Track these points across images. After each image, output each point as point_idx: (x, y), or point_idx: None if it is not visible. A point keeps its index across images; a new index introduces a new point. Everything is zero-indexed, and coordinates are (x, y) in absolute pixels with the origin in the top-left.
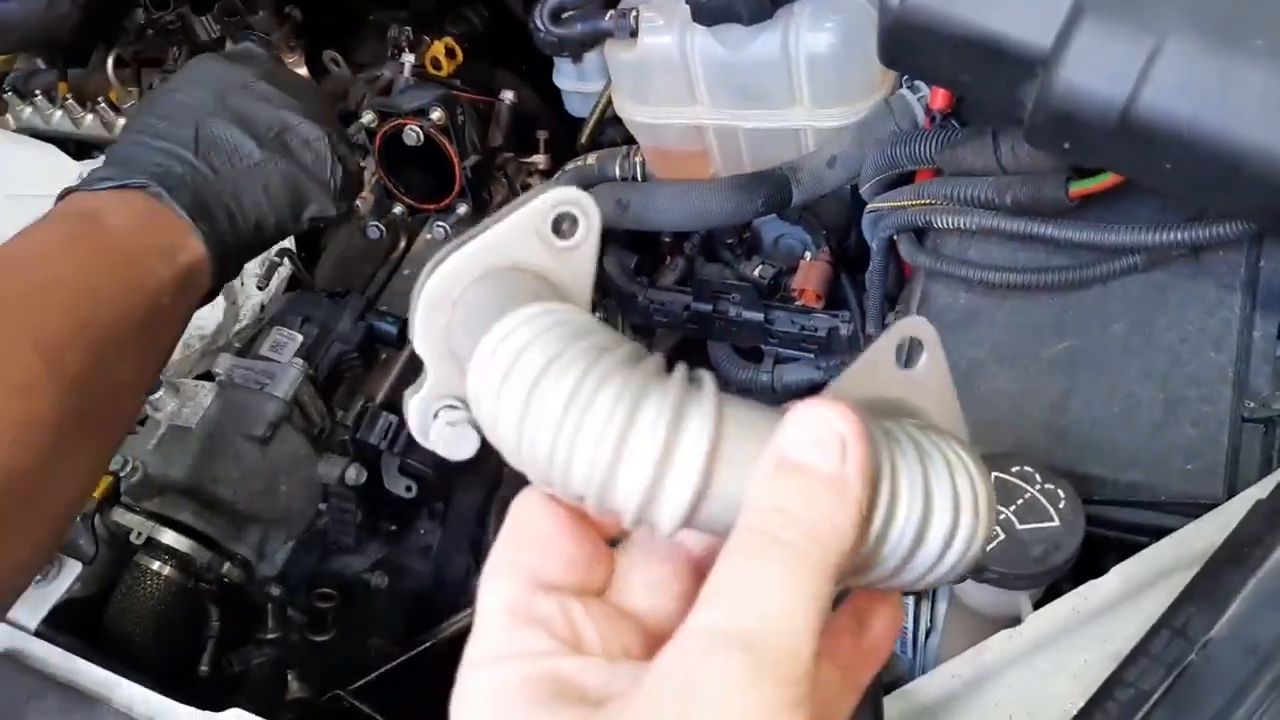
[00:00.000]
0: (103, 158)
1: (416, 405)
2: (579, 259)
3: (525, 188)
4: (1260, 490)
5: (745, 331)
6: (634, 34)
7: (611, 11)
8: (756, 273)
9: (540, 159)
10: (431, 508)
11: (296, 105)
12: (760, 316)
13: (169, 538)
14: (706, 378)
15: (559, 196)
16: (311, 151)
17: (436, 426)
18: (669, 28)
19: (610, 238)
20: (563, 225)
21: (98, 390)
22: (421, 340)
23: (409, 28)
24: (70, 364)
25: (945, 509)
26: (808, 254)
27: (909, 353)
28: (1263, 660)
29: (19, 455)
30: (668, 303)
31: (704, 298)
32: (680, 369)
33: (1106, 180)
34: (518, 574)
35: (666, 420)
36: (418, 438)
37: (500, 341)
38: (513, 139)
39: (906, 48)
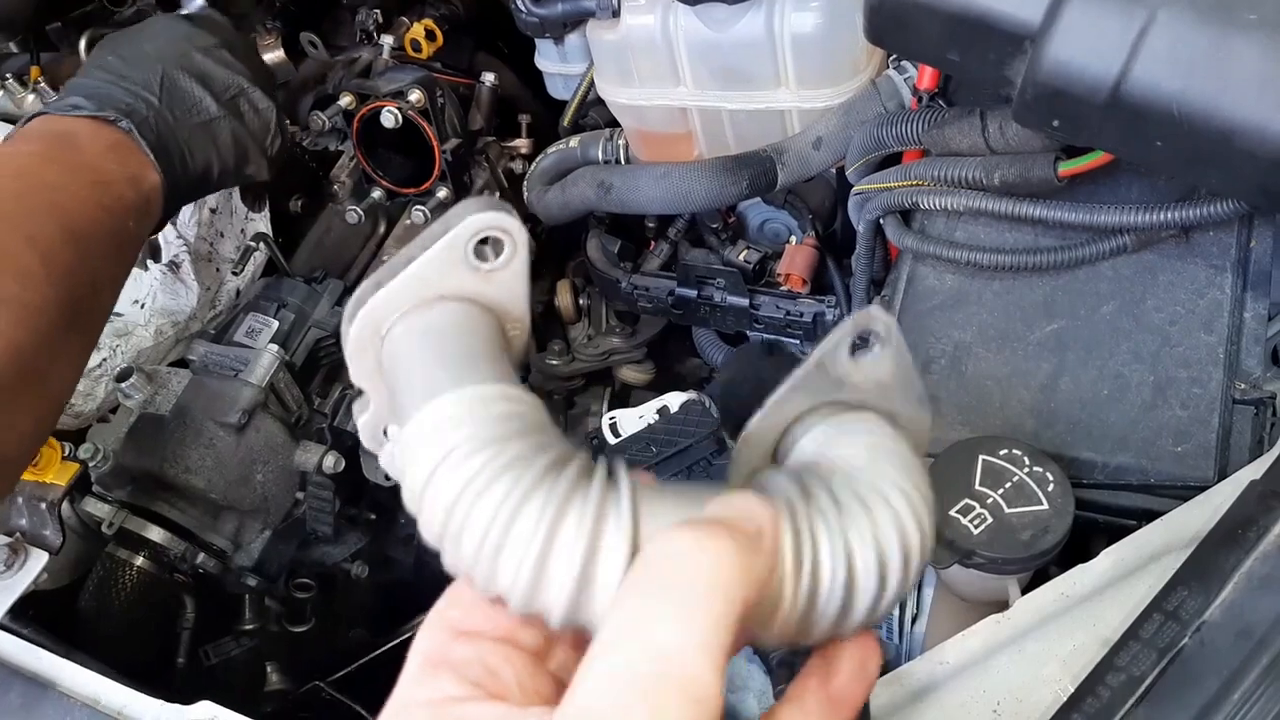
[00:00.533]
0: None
1: (364, 426)
2: (508, 277)
3: (508, 172)
4: (1254, 471)
5: (730, 317)
6: (616, 14)
7: None
8: (742, 258)
9: (522, 142)
10: None
11: (250, 75)
12: (745, 302)
13: (142, 528)
14: (623, 483)
15: (479, 223)
16: (260, 119)
17: (388, 447)
18: (652, 8)
19: (594, 223)
20: (486, 248)
21: (82, 286)
22: (356, 374)
23: (377, 10)
24: (59, 260)
25: (869, 572)
26: (793, 238)
27: (867, 344)
28: (1257, 644)
29: (23, 334)
30: (652, 288)
31: (688, 283)
32: (600, 473)
33: (1096, 159)
34: (441, 624)
35: (585, 539)
36: (375, 453)
37: (422, 443)
38: (494, 122)
39: (893, 25)
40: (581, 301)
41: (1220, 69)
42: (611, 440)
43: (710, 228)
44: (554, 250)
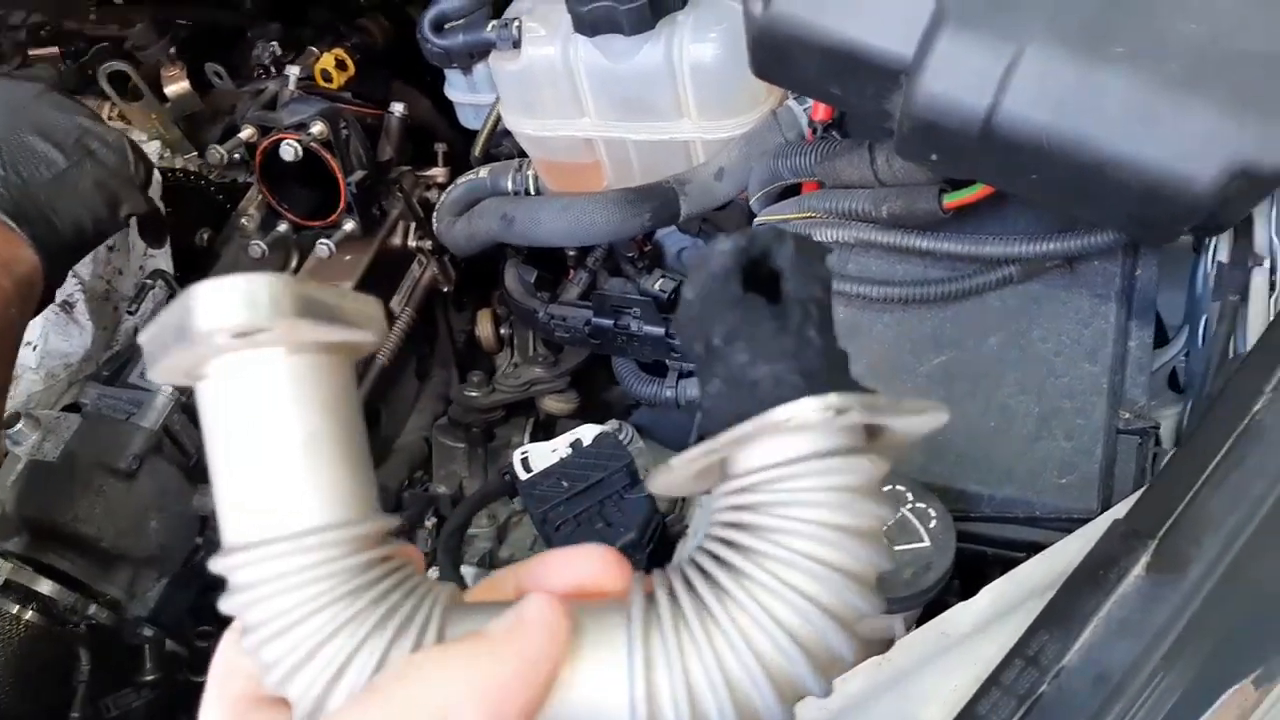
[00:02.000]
0: None
1: None
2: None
3: (423, 201)
4: (1122, 509)
5: (647, 346)
6: (517, 45)
7: (494, 22)
8: (657, 286)
9: (438, 171)
10: None
11: (88, 113)
12: (661, 331)
13: (31, 580)
14: (420, 618)
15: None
16: (114, 153)
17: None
18: (552, 39)
19: (512, 252)
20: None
21: None
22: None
23: (275, 44)
24: None
25: (707, 695)
26: None
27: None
28: (1114, 689)
29: None
30: (569, 318)
31: (604, 313)
32: (403, 610)
33: (979, 191)
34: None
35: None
36: None
37: (242, 586)
38: (410, 152)
39: (775, 59)
40: (503, 331)
41: (1089, 102)
42: (523, 476)
43: (627, 256)
44: (476, 279)
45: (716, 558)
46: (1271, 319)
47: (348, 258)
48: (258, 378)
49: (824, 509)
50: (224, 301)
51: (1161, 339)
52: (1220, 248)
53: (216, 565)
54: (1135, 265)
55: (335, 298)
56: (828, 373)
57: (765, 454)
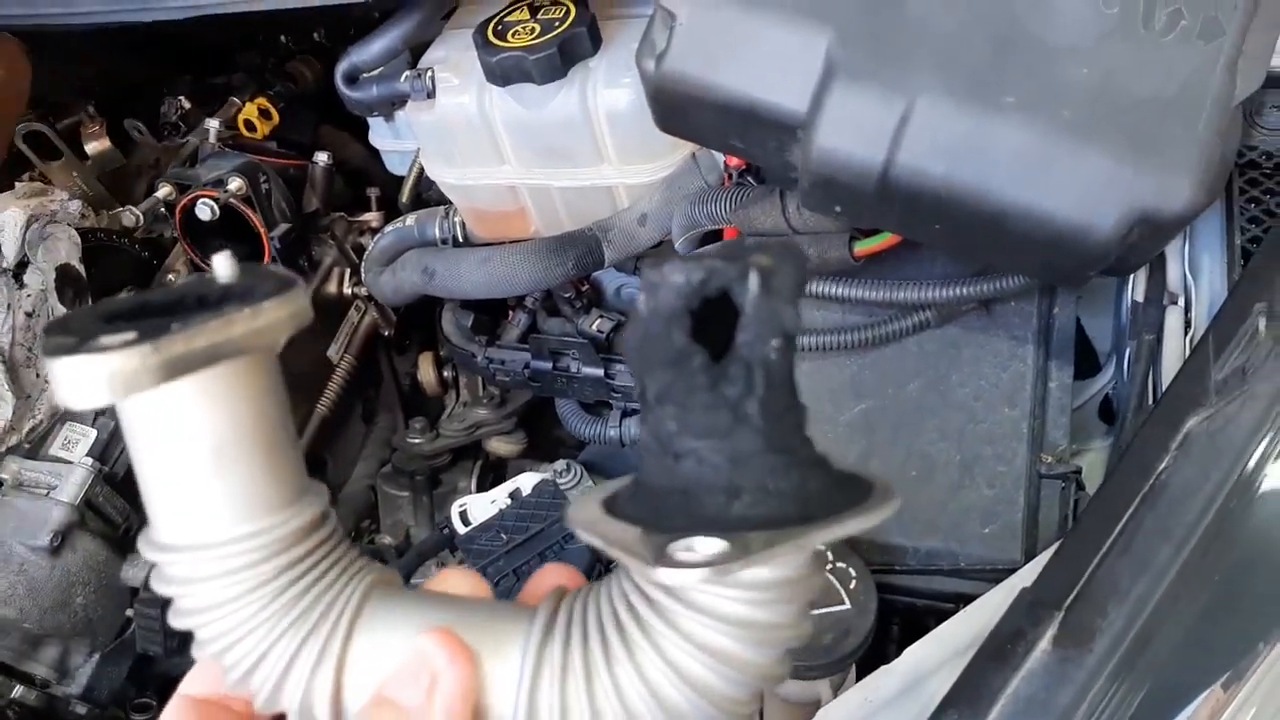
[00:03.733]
0: None
1: None
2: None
3: (357, 247)
4: (1029, 575)
5: (588, 388)
6: (431, 95)
7: (408, 73)
8: (594, 327)
9: (372, 216)
10: None
11: None
12: (600, 372)
13: None
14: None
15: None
16: None
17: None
18: (466, 88)
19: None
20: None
21: None
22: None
23: (181, 98)
24: None
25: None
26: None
27: None
28: None
29: None
30: (508, 361)
31: (542, 355)
32: (321, 606)
33: (889, 239)
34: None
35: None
36: None
37: (172, 579)
38: (344, 196)
39: (673, 114)
40: (446, 373)
41: (983, 152)
42: (461, 529)
43: (564, 297)
44: (418, 322)
45: (628, 604)
46: (1181, 365)
47: None
48: (152, 409)
49: (720, 629)
50: (83, 383)
51: (1093, 366)
52: (1137, 283)
53: (146, 551)
54: (1053, 304)
55: (215, 331)
56: (764, 455)
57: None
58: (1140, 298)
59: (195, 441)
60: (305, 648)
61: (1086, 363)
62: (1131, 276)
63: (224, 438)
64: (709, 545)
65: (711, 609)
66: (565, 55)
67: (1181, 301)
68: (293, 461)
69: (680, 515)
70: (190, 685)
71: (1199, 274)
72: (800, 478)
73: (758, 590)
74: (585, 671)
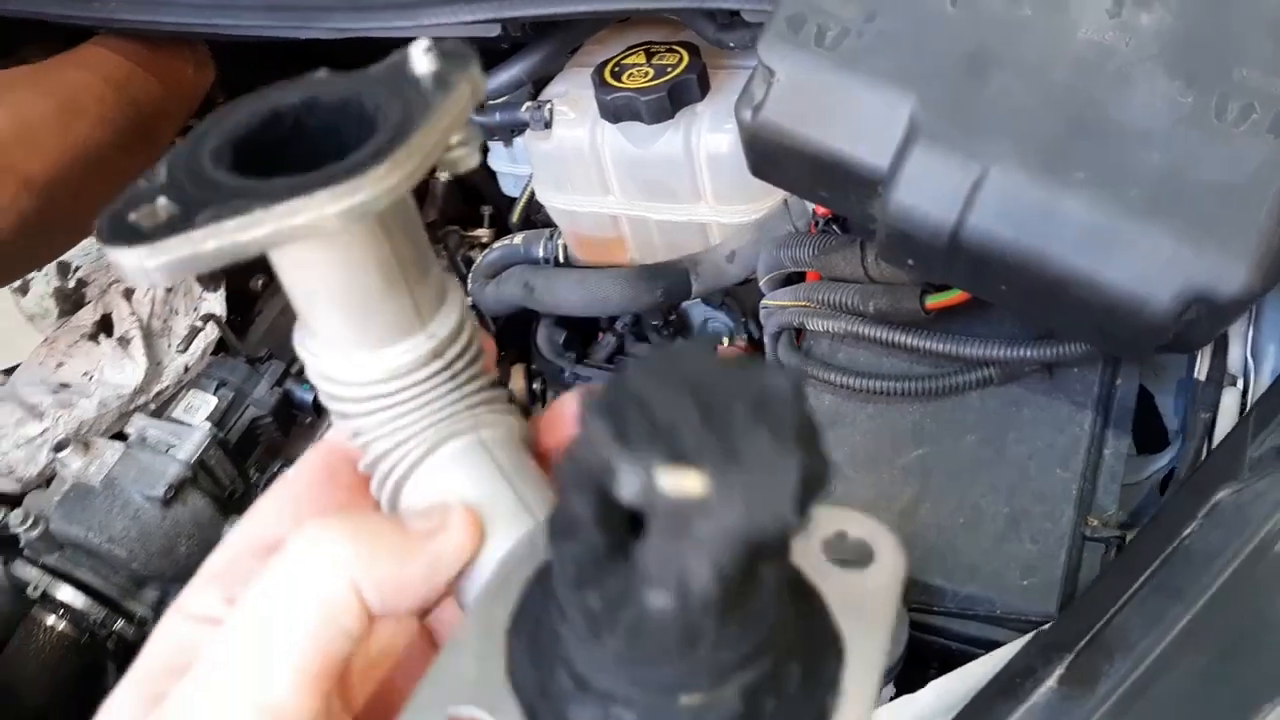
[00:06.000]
0: None
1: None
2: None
3: (467, 260)
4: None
5: None
6: (549, 126)
7: (529, 103)
8: None
9: (483, 232)
10: None
11: None
12: None
13: (64, 593)
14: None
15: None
16: None
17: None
18: (581, 122)
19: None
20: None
21: None
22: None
23: None
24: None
25: None
26: (725, 339)
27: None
28: None
29: None
30: (592, 379)
31: None
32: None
33: (960, 295)
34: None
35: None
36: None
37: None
38: (461, 212)
39: (766, 162)
40: (535, 386)
41: (1050, 221)
42: None
43: (652, 325)
44: (514, 335)
45: None
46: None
47: None
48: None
49: None
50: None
51: (1162, 443)
52: (1203, 363)
53: (301, 348)
54: (1115, 375)
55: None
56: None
57: None
58: (1203, 377)
59: (371, 270)
60: (399, 450)
61: (1155, 439)
62: (1198, 357)
63: (393, 263)
64: None
65: None
66: (674, 99)
67: (1240, 384)
68: (437, 277)
69: None
70: (334, 435)
71: (1261, 359)
72: None
73: None
74: None
